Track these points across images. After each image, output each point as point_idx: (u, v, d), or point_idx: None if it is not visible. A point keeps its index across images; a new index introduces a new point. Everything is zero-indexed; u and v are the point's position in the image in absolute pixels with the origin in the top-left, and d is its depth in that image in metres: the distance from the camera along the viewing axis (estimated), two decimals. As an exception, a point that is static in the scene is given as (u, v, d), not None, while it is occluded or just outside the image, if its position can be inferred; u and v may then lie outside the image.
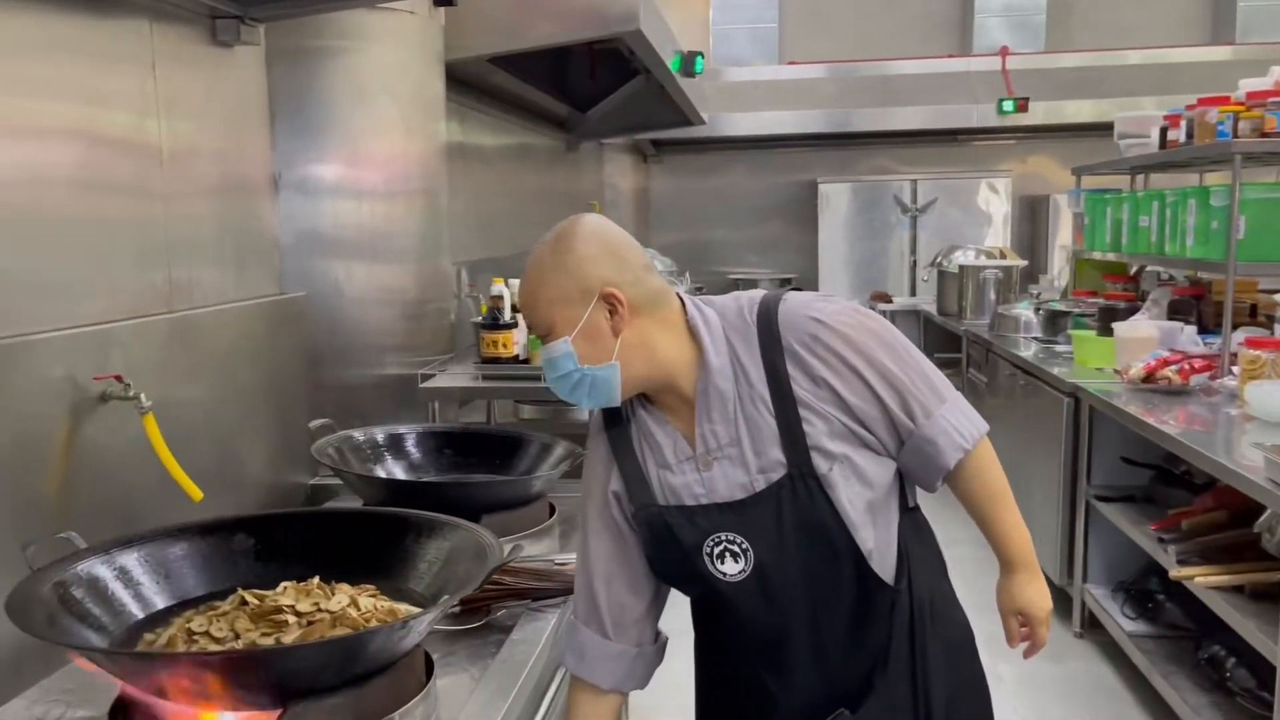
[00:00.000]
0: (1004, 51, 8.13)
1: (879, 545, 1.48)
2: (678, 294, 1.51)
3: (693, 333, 1.47)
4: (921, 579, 1.52)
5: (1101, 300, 4.78)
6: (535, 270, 1.45)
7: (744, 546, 1.46)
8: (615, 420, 1.54)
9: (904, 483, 1.54)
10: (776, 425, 1.43)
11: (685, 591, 1.58)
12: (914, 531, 1.55)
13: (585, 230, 1.45)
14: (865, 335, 1.45)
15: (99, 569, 1.46)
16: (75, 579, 1.41)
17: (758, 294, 1.52)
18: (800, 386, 1.43)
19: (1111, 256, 4.94)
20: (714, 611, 1.54)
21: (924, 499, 1.61)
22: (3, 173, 1.62)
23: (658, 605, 1.60)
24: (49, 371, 1.69)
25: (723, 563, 1.47)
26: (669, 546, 1.48)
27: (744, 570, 1.46)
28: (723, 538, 1.46)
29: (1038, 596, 1.62)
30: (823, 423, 1.43)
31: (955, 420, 1.48)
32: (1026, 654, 1.67)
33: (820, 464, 1.43)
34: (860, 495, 1.45)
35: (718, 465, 1.46)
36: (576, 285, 1.41)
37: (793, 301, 1.48)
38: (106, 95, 1.90)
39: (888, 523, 1.50)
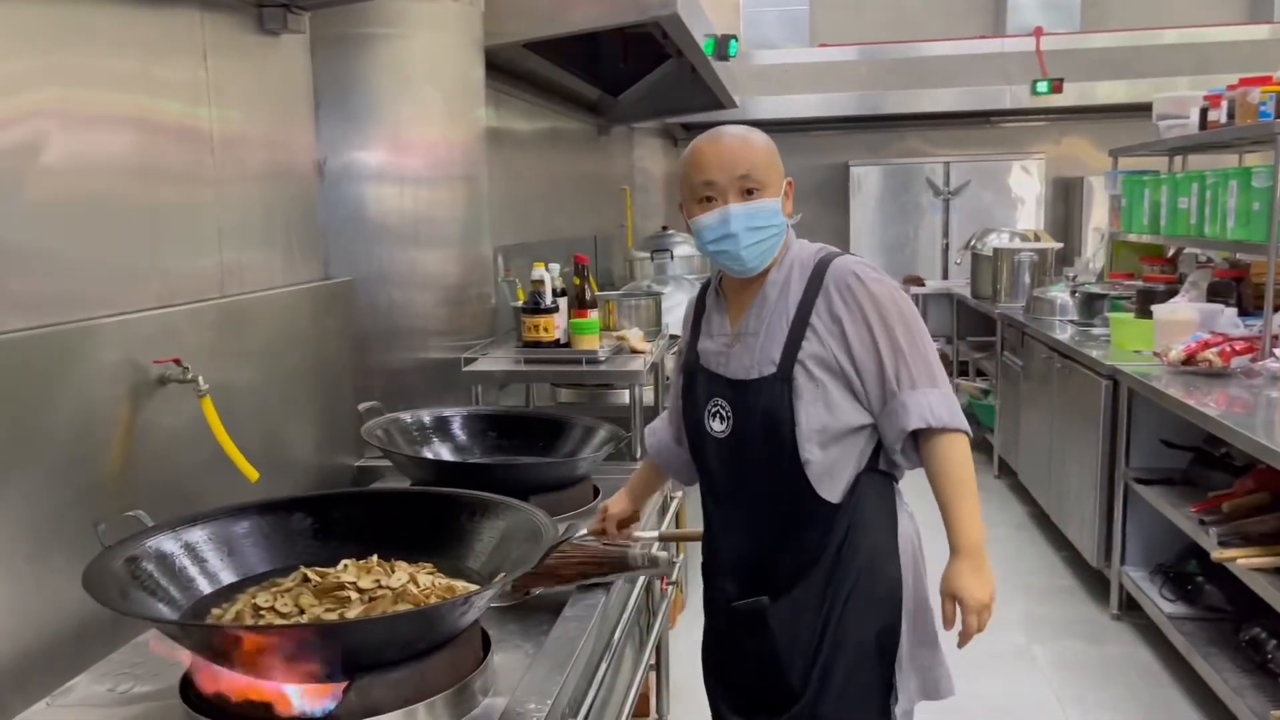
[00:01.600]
0: (1038, 32, 8.02)
1: (823, 465, 1.73)
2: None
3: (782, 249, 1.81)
4: (865, 527, 1.76)
5: (1139, 283, 4.74)
6: (752, 138, 1.76)
7: (728, 413, 1.79)
8: (701, 304, 1.92)
9: (880, 449, 1.77)
10: (786, 335, 1.74)
11: (691, 445, 1.91)
12: (877, 492, 1.79)
13: None
14: (889, 303, 1.73)
15: (168, 545, 1.50)
16: (146, 555, 1.46)
17: (831, 248, 1.83)
18: (817, 316, 1.73)
19: (1149, 238, 4.90)
20: (703, 460, 1.88)
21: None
22: (65, 161, 1.66)
23: None
24: (112, 355, 1.73)
25: (715, 421, 1.82)
26: (691, 395, 1.87)
27: (724, 431, 1.80)
28: (718, 402, 1.81)
29: (974, 586, 1.71)
30: (818, 347, 1.72)
31: (934, 402, 1.71)
32: (959, 642, 1.75)
33: (798, 375, 1.72)
34: (818, 416, 1.72)
35: (739, 347, 1.79)
36: (779, 165, 1.78)
37: (847, 258, 1.79)
38: (161, 84, 1.94)
39: (842, 456, 1.75)
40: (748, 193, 1.73)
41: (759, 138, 1.77)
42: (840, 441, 1.75)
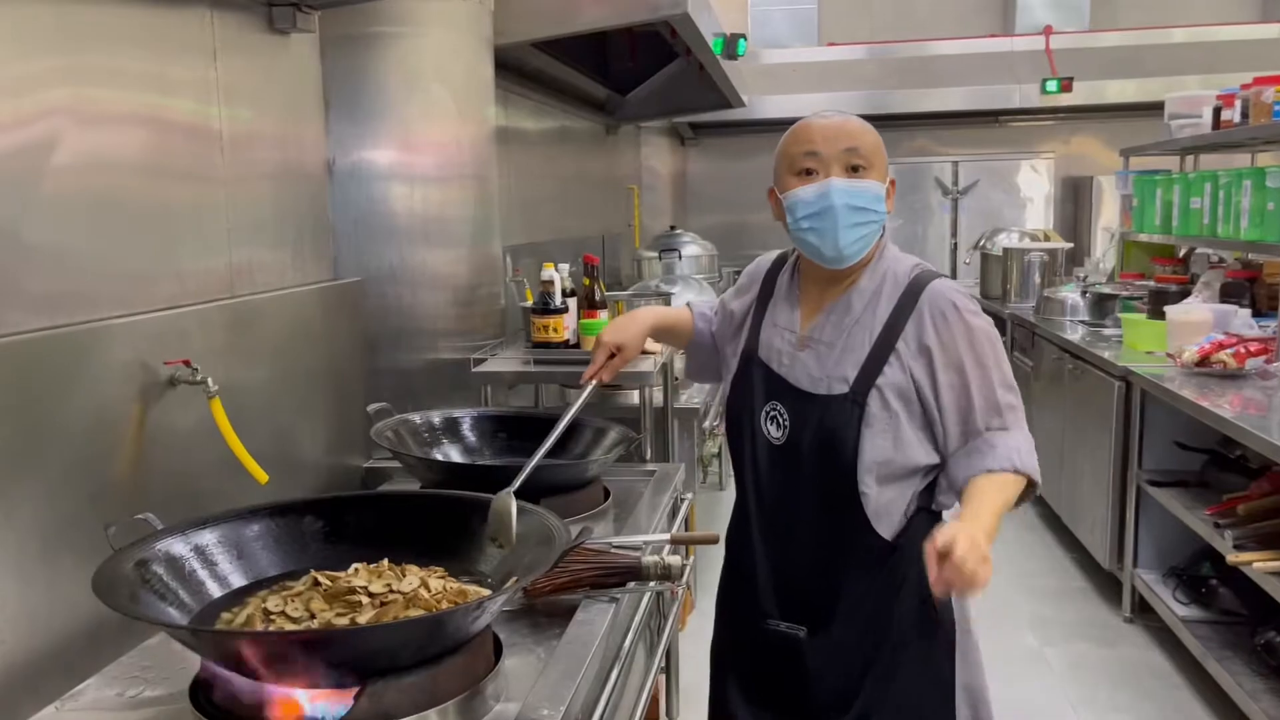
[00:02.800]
0: (1047, 30, 7.99)
1: (879, 501, 1.62)
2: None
3: (871, 255, 1.69)
4: (918, 569, 1.52)
5: (1151, 283, 4.71)
6: (858, 120, 1.66)
7: (785, 421, 1.68)
8: (770, 279, 1.81)
9: (933, 488, 1.66)
10: (867, 355, 1.61)
11: (732, 441, 1.80)
12: (929, 533, 1.53)
13: None
14: (985, 341, 1.61)
15: (177, 548, 1.49)
16: (156, 558, 1.44)
17: (928, 265, 1.72)
18: (905, 341, 1.61)
19: (1160, 239, 4.87)
20: (750, 461, 1.74)
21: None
22: (79, 160, 1.65)
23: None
24: (122, 356, 1.72)
25: (771, 425, 1.70)
26: (746, 389, 1.75)
27: (780, 439, 1.68)
28: (777, 406, 1.69)
29: (968, 540, 1.39)
30: (900, 375, 1.59)
31: (1023, 446, 1.60)
32: (935, 588, 1.44)
33: (872, 401, 1.60)
34: (883, 449, 1.60)
35: (808, 352, 1.67)
36: (885, 157, 1.66)
37: (946, 283, 1.66)
38: (171, 83, 1.93)
39: (899, 495, 1.63)
40: (853, 170, 1.61)
41: (869, 126, 1.67)
42: (899, 480, 1.63)
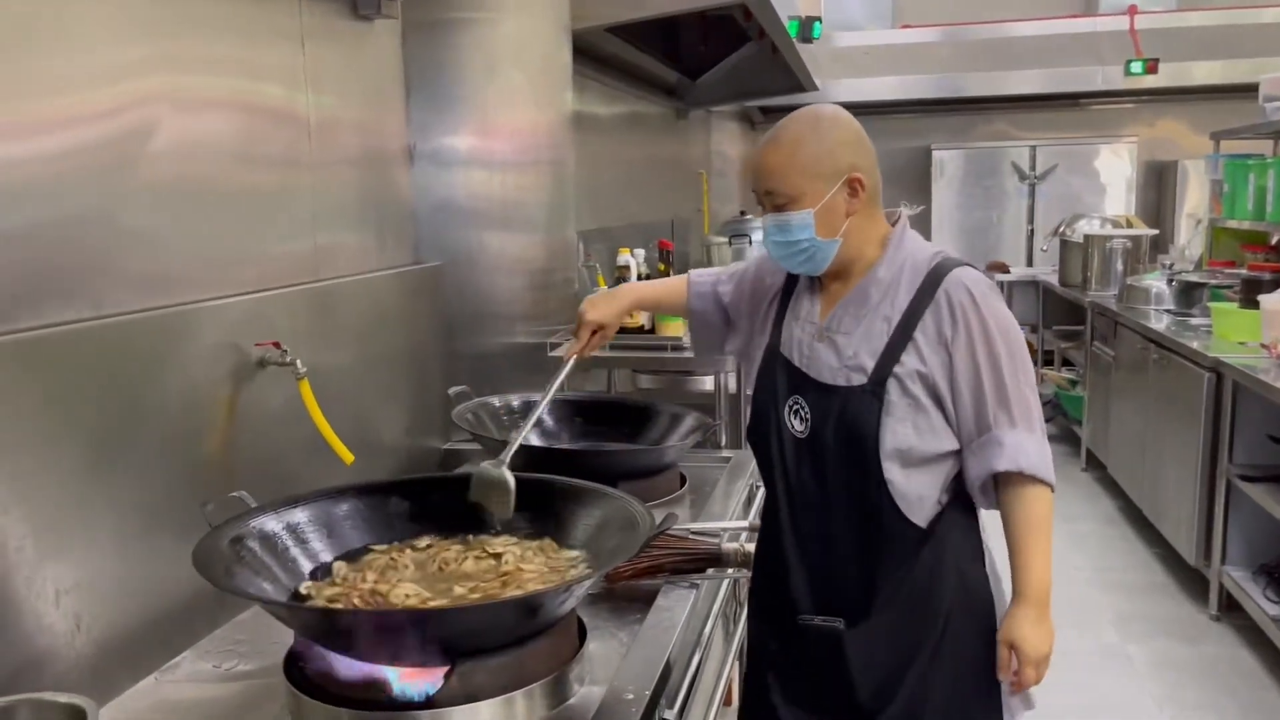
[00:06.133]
0: (1132, 10, 7.74)
1: (906, 488, 1.61)
2: (901, 210, 1.72)
3: (885, 242, 1.67)
4: (954, 557, 1.65)
5: (1243, 271, 4.54)
6: (792, 141, 1.62)
7: (807, 415, 1.67)
8: (794, 274, 1.77)
9: (962, 482, 1.65)
10: (885, 344, 1.61)
11: (756, 436, 1.78)
12: (964, 524, 1.68)
13: (844, 115, 1.66)
14: (999, 333, 1.59)
15: (271, 525, 1.52)
16: (250, 535, 1.48)
17: (951, 253, 1.69)
18: (923, 330, 1.60)
19: (1252, 225, 4.70)
20: (777, 456, 1.72)
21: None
22: (170, 145, 1.68)
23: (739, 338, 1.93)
24: (215, 338, 1.76)
25: (795, 419, 1.69)
26: (769, 383, 1.74)
27: (804, 432, 1.67)
28: (799, 400, 1.68)
29: (1035, 637, 1.61)
30: (919, 364, 1.59)
31: (1029, 447, 1.58)
32: (1012, 689, 1.67)
33: (891, 390, 1.59)
34: (904, 437, 1.60)
35: (827, 343, 1.67)
36: (831, 163, 1.60)
37: (966, 271, 1.63)
38: (261, 70, 1.96)
39: (928, 482, 1.62)
40: (777, 207, 1.63)
41: (800, 139, 1.61)
42: (925, 467, 1.62)
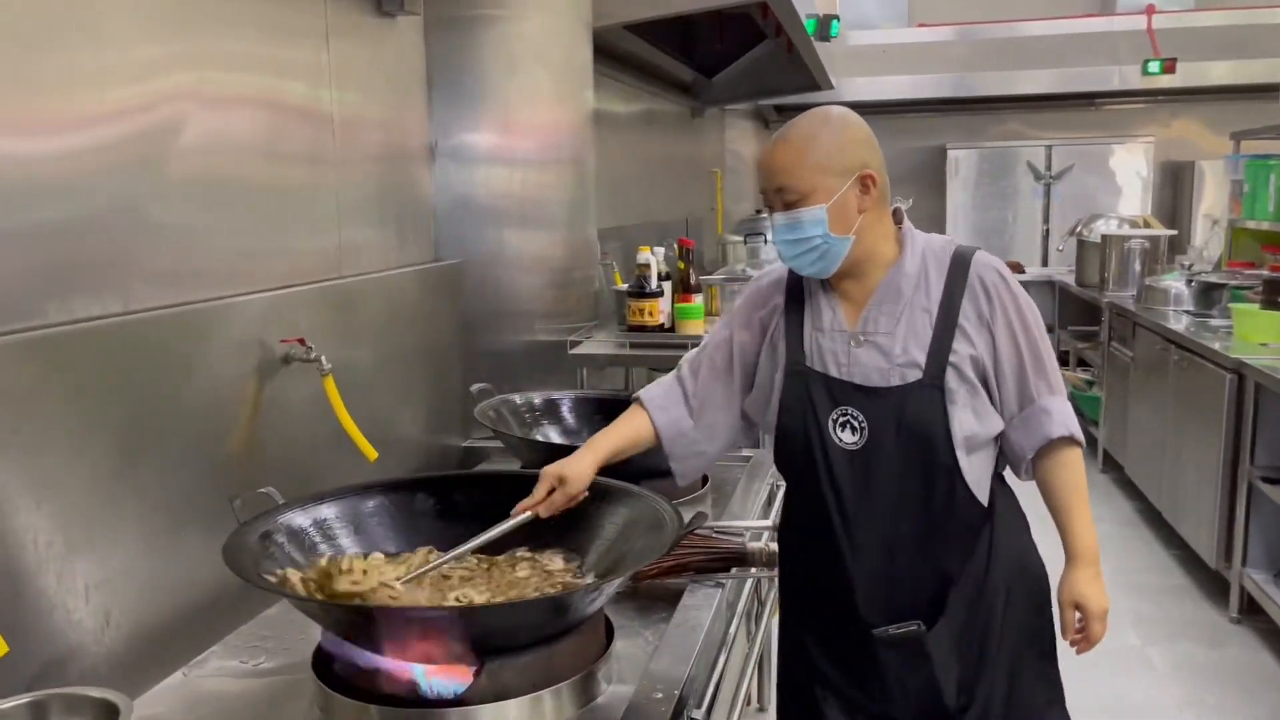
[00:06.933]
0: (1150, 10, 7.70)
1: (970, 474, 1.62)
2: (899, 205, 1.72)
3: (898, 239, 1.68)
4: (1006, 532, 1.68)
5: (1264, 272, 4.51)
6: (803, 138, 1.61)
7: (862, 423, 1.63)
8: (796, 284, 1.72)
9: (1000, 456, 1.70)
10: (932, 334, 1.61)
11: (793, 458, 1.69)
12: (1007, 499, 1.71)
13: (853, 115, 1.66)
14: (1028, 308, 1.66)
15: (299, 521, 1.52)
16: (279, 530, 1.48)
17: (956, 240, 1.71)
18: (965, 317, 1.62)
19: (1272, 225, 4.67)
20: (825, 475, 1.65)
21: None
22: (197, 141, 1.68)
23: (724, 435, 1.81)
24: (241, 334, 1.76)
25: (845, 432, 1.64)
26: (802, 403, 1.66)
27: (857, 443, 1.63)
28: (848, 410, 1.64)
29: (1095, 593, 1.68)
30: (970, 349, 1.61)
31: (1069, 410, 1.66)
32: (1079, 648, 1.72)
33: (950, 379, 1.60)
34: (969, 423, 1.61)
35: (867, 348, 1.64)
36: (842, 159, 1.60)
37: (985, 254, 1.68)
38: (286, 67, 1.96)
39: (982, 462, 1.65)
40: (787, 205, 1.61)
41: (813, 136, 1.60)
42: (982, 450, 1.65)
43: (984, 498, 1.66)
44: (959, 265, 1.64)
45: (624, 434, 1.76)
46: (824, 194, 1.59)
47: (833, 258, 1.63)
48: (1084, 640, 1.69)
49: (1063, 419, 1.64)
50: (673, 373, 1.82)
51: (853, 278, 1.67)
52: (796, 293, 1.72)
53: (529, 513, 1.60)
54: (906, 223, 1.71)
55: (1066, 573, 1.69)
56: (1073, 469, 1.67)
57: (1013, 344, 1.63)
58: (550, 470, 1.62)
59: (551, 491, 1.61)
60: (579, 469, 1.63)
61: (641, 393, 1.82)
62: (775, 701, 1.91)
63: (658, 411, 1.77)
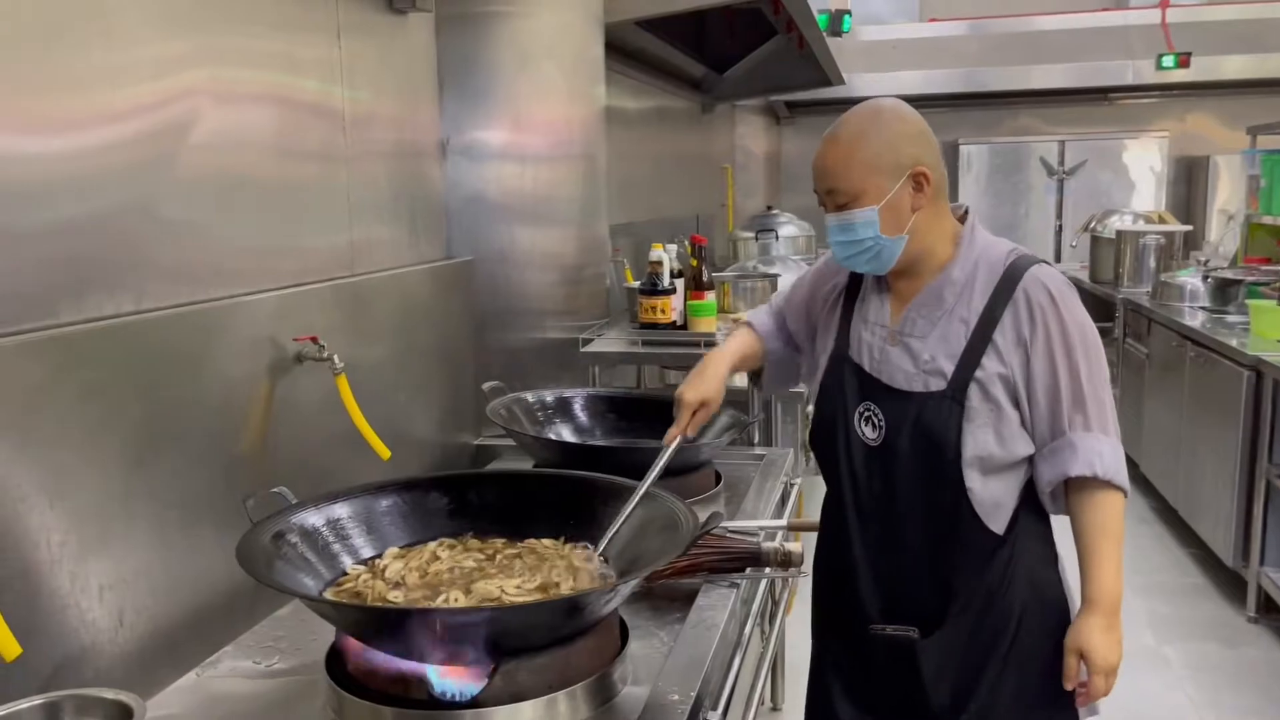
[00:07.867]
0: (1164, 4, 7.64)
1: (985, 495, 1.57)
2: (967, 205, 1.67)
3: (956, 239, 1.61)
4: (1025, 562, 1.61)
5: (1280, 267, 4.48)
6: (852, 136, 1.56)
7: (881, 422, 1.62)
8: (858, 275, 1.71)
9: (1036, 490, 1.61)
10: (964, 346, 1.56)
11: (822, 442, 1.72)
12: (1039, 530, 1.63)
13: (905, 108, 1.60)
14: (1078, 334, 1.54)
15: (312, 521, 1.51)
16: (291, 530, 1.47)
17: (1026, 250, 1.63)
18: (1002, 332, 1.55)
19: (1289, 220, 4.63)
20: (845, 464, 1.68)
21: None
22: (210, 138, 1.67)
23: (807, 367, 1.88)
24: (254, 332, 1.75)
25: (867, 427, 1.64)
26: (837, 391, 1.68)
27: (877, 440, 1.63)
28: (871, 407, 1.63)
29: (1104, 646, 1.56)
30: (1000, 367, 1.54)
31: (1105, 450, 1.53)
32: (1079, 700, 1.62)
33: (973, 395, 1.55)
34: (985, 444, 1.55)
35: (900, 347, 1.61)
36: (894, 158, 1.54)
37: (1044, 269, 1.58)
38: (298, 63, 1.95)
39: (1005, 489, 1.59)
40: (839, 206, 1.58)
41: (862, 135, 1.56)
42: (1004, 473, 1.58)
43: (998, 520, 1.59)
44: (1009, 278, 1.56)
45: (741, 350, 1.88)
46: (875, 195, 1.55)
47: (886, 258, 1.60)
48: (1085, 694, 1.59)
49: (1088, 458, 1.52)
50: (767, 305, 1.97)
51: (906, 276, 1.64)
52: (857, 277, 1.73)
53: (679, 438, 1.76)
54: (969, 224, 1.64)
55: (1077, 618, 1.60)
56: (1102, 511, 1.55)
57: (1049, 369, 1.54)
58: (691, 398, 1.76)
59: (694, 413, 1.76)
60: (716, 388, 1.78)
61: (750, 316, 1.97)
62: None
63: (766, 337, 1.91)
